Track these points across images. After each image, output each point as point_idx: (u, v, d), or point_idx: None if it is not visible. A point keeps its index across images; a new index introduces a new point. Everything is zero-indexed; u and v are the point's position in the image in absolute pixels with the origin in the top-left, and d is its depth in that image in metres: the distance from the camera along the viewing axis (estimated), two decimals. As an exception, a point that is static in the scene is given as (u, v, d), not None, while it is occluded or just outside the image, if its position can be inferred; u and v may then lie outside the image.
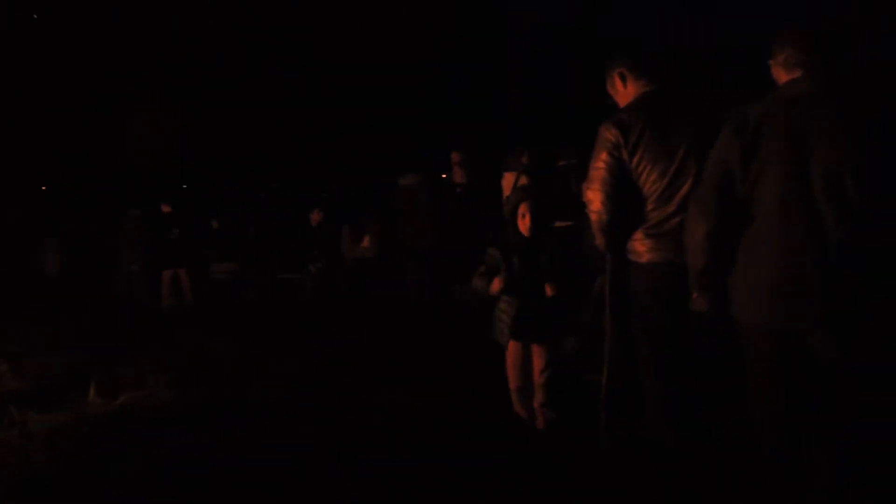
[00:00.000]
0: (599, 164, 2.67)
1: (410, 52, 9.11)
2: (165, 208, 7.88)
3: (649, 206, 2.65)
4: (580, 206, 3.90)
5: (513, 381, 3.39)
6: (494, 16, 8.66)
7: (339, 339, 5.57)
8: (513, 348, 3.37)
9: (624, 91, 2.83)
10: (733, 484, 2.58)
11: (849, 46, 2.36)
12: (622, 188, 2.67)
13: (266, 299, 8.21)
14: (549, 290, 3.23)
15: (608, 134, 2.66)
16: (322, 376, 4.47)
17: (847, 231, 2.09)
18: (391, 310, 6.22)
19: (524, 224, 3.34)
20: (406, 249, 5.95)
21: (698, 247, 2.39)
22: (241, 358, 5.05)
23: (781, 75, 2.32)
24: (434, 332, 5.12)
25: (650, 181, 2.62)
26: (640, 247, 2.70)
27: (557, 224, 3.94)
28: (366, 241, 7.33)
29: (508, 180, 5.00)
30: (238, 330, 6.20)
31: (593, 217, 2.75)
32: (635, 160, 2.62)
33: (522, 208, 3.37)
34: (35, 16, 12.19)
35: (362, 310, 6.57)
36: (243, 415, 3.75)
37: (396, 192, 6.21)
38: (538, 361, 3.33)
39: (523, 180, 4.89)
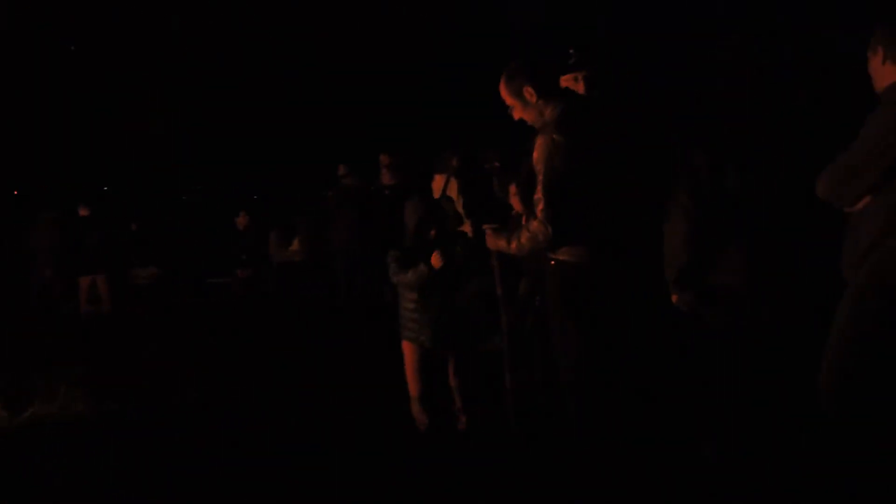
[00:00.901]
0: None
1: (339, 54, 9.01)
2: (82, 211, 7.53)
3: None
4: (506, 208, 3.96)
5: (415, 387, 3.28)
6: (426, 16, 8.66)
7: (265, 344, 5.46)
8: (411, 353, 3.26)
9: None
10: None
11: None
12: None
13: (190, 305, 7.96)
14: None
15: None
16: (246, 383, 4.38)
17: None
18: (320, 313, 6.14)
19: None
20: (334, 252, 5.89)
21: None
22: (162, 366, 4.88)
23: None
24: (362, 335, 5.08)
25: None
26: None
27: (485, 226, 3.97)
28: (295, 245, 7.20)
29: (438, 183, 5.02)
30: (159, 337, 5.99)
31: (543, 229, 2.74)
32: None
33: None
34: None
35: (290, 314, 6.47)
36: (161, 425, 3.63)
37: (328, 195, 6.15)
38: (450, 368, 3.25)
39: (453, 183, 4.92)
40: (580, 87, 3.01)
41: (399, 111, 8.49)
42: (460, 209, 4.73)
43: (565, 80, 3.05)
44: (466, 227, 4.43)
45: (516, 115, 2.85)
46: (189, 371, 4.69)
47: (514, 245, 2.77)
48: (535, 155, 2.68)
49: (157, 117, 11.75)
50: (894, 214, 2.24)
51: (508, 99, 2.84)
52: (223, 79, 10.38)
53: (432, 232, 3.20)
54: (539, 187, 2.64)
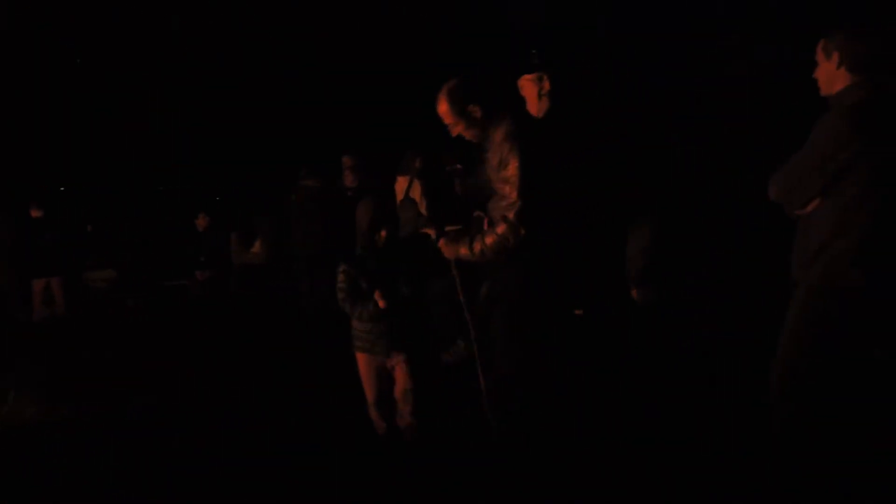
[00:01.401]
0: None
1: (301, 54, 8.92)
2: (34, 212, 7.31)
3: None
4: (468, 210, 3.97)
5: (371, 393, 3.23)
6: (389, 17, 8.63)
7: (223, 348, 5.37)
8: (365, 364, 3.20)
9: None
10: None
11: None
12: None
13: (148, 308, 7.80)
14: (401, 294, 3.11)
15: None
16: (203, 387, 4.30)
17: None
18: (280, 317, 6.07)
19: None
20: (296, 255, 5.83)
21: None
22: (117, 370, 4.77)
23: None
24: (323, 340, 5.03)
25: None
26: None
27: (448, 228, 3.98)
28: (256, 247, 7.10)
29: (401, 184, 5.00)
30: (115, 341, 5.86)
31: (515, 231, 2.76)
32: None
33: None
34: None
35: (251, 318, 6.38)
36: (114, 430, 3.55)
37: (289, 196, 6.09)
38: (401, 373, 3.18)
39: (416, 185, 4.90)
40: (545, 87, 3.04)
41: (362, 112, 8.44)
42: (423, 211, 4.72)
43: (528, 80, 3.07)
44: (430, 230, 4.43)
45: (455, 132, 2.86)
46: (145, 375, 4.60)
47: (477, 248, 2.77)
48: (508, 166, 2.69)
49: (116, 118, 11.51)
50: (843, 217, 2.30)
51: (449, 118, 2.84)
52: (182, 80, 10.20)
53: (383, 233, 3.14)
54: (509, 192, 2.66)
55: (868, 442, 2.44)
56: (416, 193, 4.90)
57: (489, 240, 2.70)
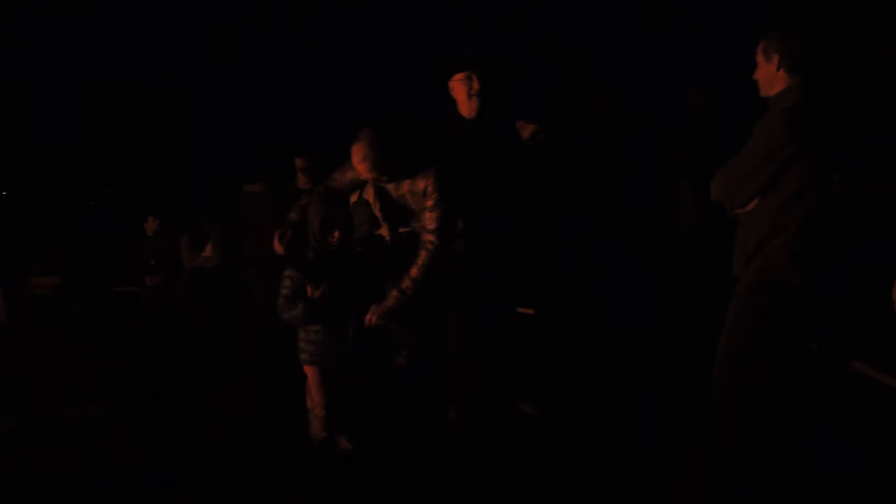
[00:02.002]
0: None
1: (252, 50, 8.78)
2: (-27, 217, 7.06)
3: None
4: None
5: (317, 405, 3.11)
6: (342, 13, 8.54)
7: (172, 355, 5.26)
8: (313, 376, 3.10)
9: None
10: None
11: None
12: None
13: (95, 315, 7.58)
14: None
15: None
16: (149, 396, 4.20)
17: None
18: (233, 324, 5.97)
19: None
20: (248, 260, 5.73)
21: None
22: (59, 380, 4.62)
23: None
24: (277, 348, 4.96)
25: None
26: None
27: (401, 230, 3.99)
28: (208, 250, 6.96)
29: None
30: (59, 349, 5.67)
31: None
32: None
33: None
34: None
35: (202, 324, 6.25)
36: (58, 441, 3.44)
37: (240, 199, 5.99)
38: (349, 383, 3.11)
39: (370, 187, 4.88)
40: (475, 86, 3.07)
41: (315, 112, 8.36)
42: (377, 213, 4.69)
43: (458, 80, 3.11)
44: (384, 231, 4.40)
45: (373, 177, 2.91)
46: (90, 384, 4.47)
47: (408, 288, 2.84)
48: (430, 202, 2.84)
49: (62, 118, 11.15)
50: (780, 216, 2.37)
51: (373, 169, 2.83)
52: (130, 79, 9.95)
53: (335, 234, 3.04)
54: (428, 224, 2.74)
55: (806, 432, 2.52)
56: (370, 195, 4.88)
57: (416, 273, 2.80)
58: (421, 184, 2.82)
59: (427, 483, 2.78)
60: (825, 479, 2.49)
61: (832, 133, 2.38)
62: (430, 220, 2.77)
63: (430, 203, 2.74)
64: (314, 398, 3.12)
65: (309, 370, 3.11)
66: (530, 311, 3.77)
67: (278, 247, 3.29)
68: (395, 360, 3.59)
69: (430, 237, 2.77)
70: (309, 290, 2.97)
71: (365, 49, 8.05)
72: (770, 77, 2.45)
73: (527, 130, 3.85)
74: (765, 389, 2.47)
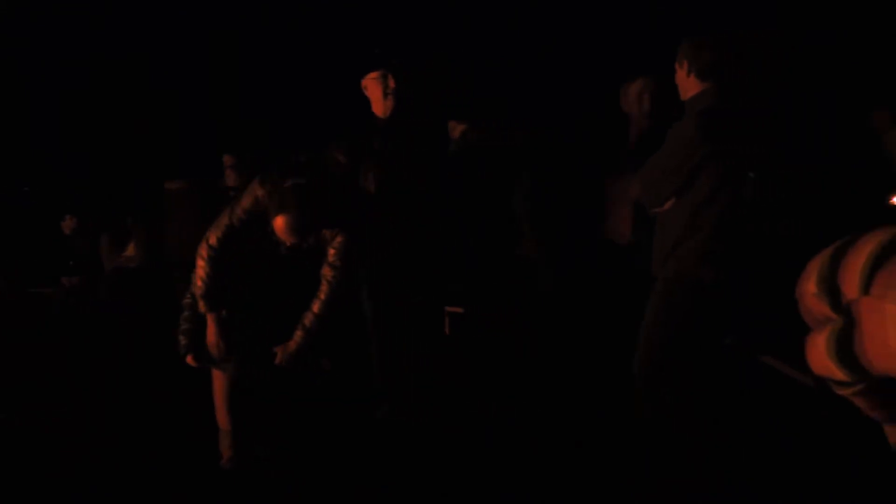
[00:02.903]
0: None
1: (180, 41, 8.51)
2: None
3: None
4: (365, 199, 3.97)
5: (223, 419, 2.88)
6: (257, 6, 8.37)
7: (89, 359, 5.04)
8: (220, 382, 2.87)
9: None
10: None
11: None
12: None
13: (8, 318, 7.21)
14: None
15: None
16: (66, 403, 4.02)
17: None
18: (154, 325, 5.75)
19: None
20: (173, 261, 5.54)
21: None
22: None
23: None
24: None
25: None
26: None
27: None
28: (130, 250, 6.71)
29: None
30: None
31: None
32: None
33: None
34: None
35: (122, 326, 6.02)
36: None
37: (163, 198, 5.79)
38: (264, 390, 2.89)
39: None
40: (390, 85, 3.06)
41: (246, 106, 8.16)
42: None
43: (372, 79, 3.09)
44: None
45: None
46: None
47: (312, 326, 2.72)
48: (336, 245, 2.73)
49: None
50: (694, 215, 2.45)
51: (300, 238, 2.64)
52: (47, 72, 9.50)
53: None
54: (334, 248, 2.70)
55: (728, 424, 2.60)
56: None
57: (318, 308, 2.70)
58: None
59: (350, 486, 2.75)
60: (746, 470, 2.57)
61: (745, 135, 2.47)
62: (334, 255, 2.65)
63: (337, 240, 2.63)
64: (217, 409, 2.91)
65: (215, 376, 2.91)
66: (460, 310, 3.78)
67: None
68: (321, 363, 3.54)
69: (333, 272, 2.65)
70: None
71: (293, 41, 7.89)
72: (683, 82, 2.53)
73: (457, 130, 3.87)
74: (684, 386, 2.54)
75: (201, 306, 2.77)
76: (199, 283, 2.74)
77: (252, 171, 5.53)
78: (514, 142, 3.62)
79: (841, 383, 1.10)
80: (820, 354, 1.08)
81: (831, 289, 1.09)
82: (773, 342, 2.61)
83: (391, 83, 3.03)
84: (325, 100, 7.19)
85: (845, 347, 1.05)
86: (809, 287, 1.15)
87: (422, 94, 3.15)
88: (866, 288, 1.04)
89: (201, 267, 2.73)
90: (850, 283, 1.06)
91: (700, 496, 2.41)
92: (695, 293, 2.47)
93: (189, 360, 2.86)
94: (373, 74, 3.08)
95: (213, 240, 2.72)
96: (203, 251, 2.74)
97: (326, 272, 2.65)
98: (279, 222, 2.50)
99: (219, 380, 2.92)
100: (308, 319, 2.68)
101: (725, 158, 2.42)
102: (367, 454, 3.00)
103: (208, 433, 3.21)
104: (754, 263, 2.47)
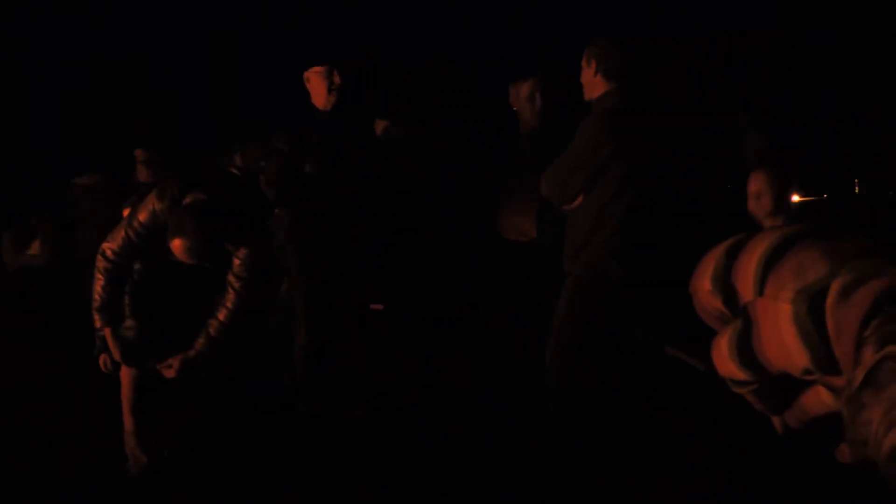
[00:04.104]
0: None
1: (82, 36, 8.13)
2: None
3: None
4: (271, 207, 3.92)
5: (130, 419, 2.76)
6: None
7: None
8: (128, 379, 2.76)
9: None
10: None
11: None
12: None
13: None
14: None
15: None
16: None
17: None
18: (66, 327, 5.50)
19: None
20: (83, 259, 5.31)
21: None
22: None
23: None
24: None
25: None
26: None
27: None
28: (35, 248, 6.36)
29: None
30: None
31: None
32: None
33: None
34: None
35: (28, 328, 5.72)
36: None
37: (71, 194, 5.55)
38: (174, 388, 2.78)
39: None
40: (336, 80, 3.07)
41: (163, 100, 7.88)
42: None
43: (316, 73, 3.09)
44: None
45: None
46: None
47: (217, 333, 2.64)
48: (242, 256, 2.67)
49: None
50: (602, 212, 2.54)
51: (199, 260, 2.52)
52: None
53: None
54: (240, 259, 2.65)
55: (637, 414, 2.70)
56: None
57: (224, 317, 2.63)
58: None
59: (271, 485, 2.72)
60: (653, 460, 2.66)
61: (649, 134, 2.57)
62: (239, 265, 2.61)
63: (241, 251, 2.59)
64: (124, 408, 2.80)
65: (123, 372, 2.80)
66: (380, 307, 3.79)
67: None
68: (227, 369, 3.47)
69: (238, 281, 2.61)
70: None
71: (208, 34, 7.68)
72: (590, 81, 2.62)
73: (380, 126, 3.88)
74: (595, 378, 2.63)
75: (96, 320, 2.68)
76: (95, 296, 2.66)
77: (164, 167, 5.41)
78: (430, 138, 3.68)
79: (740, 382, 1.16)
80: (723, 357, 1.14)
81: (725, 287, 1.15)
82: (677, 334, 2.73)
83: (336, 79, 3.04)
84: (240, 94, 7.03)
85: (745, 349, 1.11)
86: (704, 284, 1.21)
87: (364, 92, 3.18)
88: (760, 289, 1.10)
89: (97, 280, 2.64)
90: (745, 285, 1.12)
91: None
92: (604, 287, 2.56)
93: (102, 361, 2.77)
94: (318, 69, 3.08)
95: (108, 252, 2.63)
96: (98, 263, 2.64)
97: (232, 281, 2.59)
98: (176, 246, 2.41)
99: (126, 382, 2.82)
100: (213, 327, 2.62)
101: (631, 156, 2.52)
102: (283, 455, 2.97)
103: (116, 436, 3.13)
104: (659, 257, 2.59)
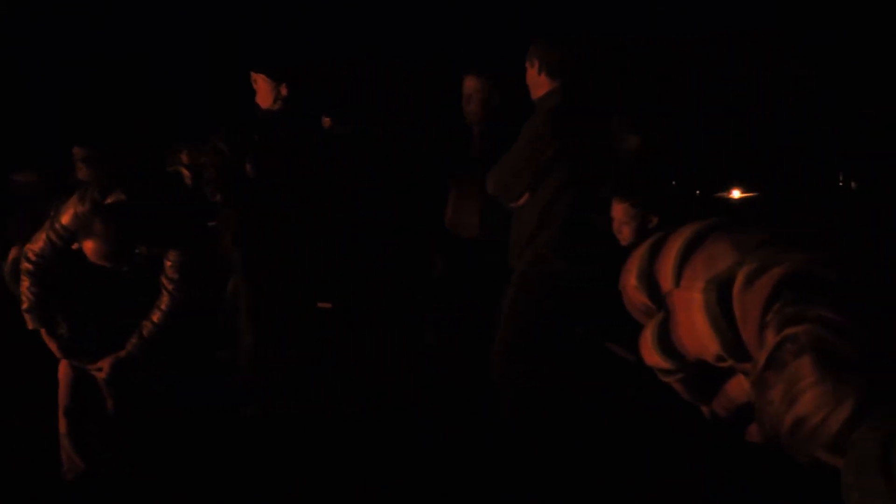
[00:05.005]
0: None
1: (24, 32, 7.84)
2: None
3: None
4: (210, 207, 3.85)
5: (64, 420, 2.66)
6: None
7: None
8: (65, 376, 2.67)
9: None
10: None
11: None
12: None
13: None
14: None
15: None
16: None
17: None
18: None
19: None
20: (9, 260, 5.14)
21: None
22: None
23: None
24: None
25: None
26: None
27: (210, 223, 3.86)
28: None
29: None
30: None
31: None
32: None
33: None
34: None
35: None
36: None
37: (7, 190, 5.36)
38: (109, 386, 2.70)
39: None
40: (283, 91, 3.06)
41: (100, 97, 7.64)
42: None
43: (265, 79, 3.07)
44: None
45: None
46: None
47: (149, 332, 2.62)
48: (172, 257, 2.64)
49: None
50: (546, 209, 2.57)
51: (113, 264, 2.51)
52: None
53: None
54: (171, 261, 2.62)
55: (577, 406, 2.74)
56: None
57: (157, 318, 2.60)
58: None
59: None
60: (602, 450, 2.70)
61: (592, 132, 2.62)
62: (170, 267, 2.56)
63: (171, 253, 2.55)
64: (60, 408, 2.71)
65: (61, 368, 2.71)
66: (328, 305, 3.76)
67: None
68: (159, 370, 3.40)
69: (171, 284, 2.58)
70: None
71: (147, 32, 7.49)
72: (535, 80, 2.64)
73: (325, 124, 3.86)
74: (541, 371, 2.67)
75: (28, 322, 2.62)
76: (23, 297, 2.60)
77: (109, 166, 5.25)
78: (376, 135, 3.68)
79: (665, 371, 1.21)
80: (648, 348, 1.19)
81: (650, 281, 1.20)
82: (618, 329, 2.77)
83: (283, 91, 3.04)
84: (179, 92, 6.88)
85: (665, 338, 1.15)
86: (630, 280, 1.25)
87: (309, 92, 3.17)
88: (677, 280, 1.15)
89: (23, 281, 2.58)
90: (665, 277, 1.17)
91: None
92: (550, 283, 2.59)
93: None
94: (264, 76, 3.06)
95: (30, 254, 2.57)
96: (23, 265, 2.59)
97: (165, 283, 2.56)
98: (87, 248, 2.38)
99: (61, 384, 2.74)
100: (145, 328, 2.58)
101: (573, 155, 2.56)
102: (226, 457, 2.92)
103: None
104: (602, 253, 2.63)
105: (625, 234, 2.45)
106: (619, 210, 2.46)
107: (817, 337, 0.85)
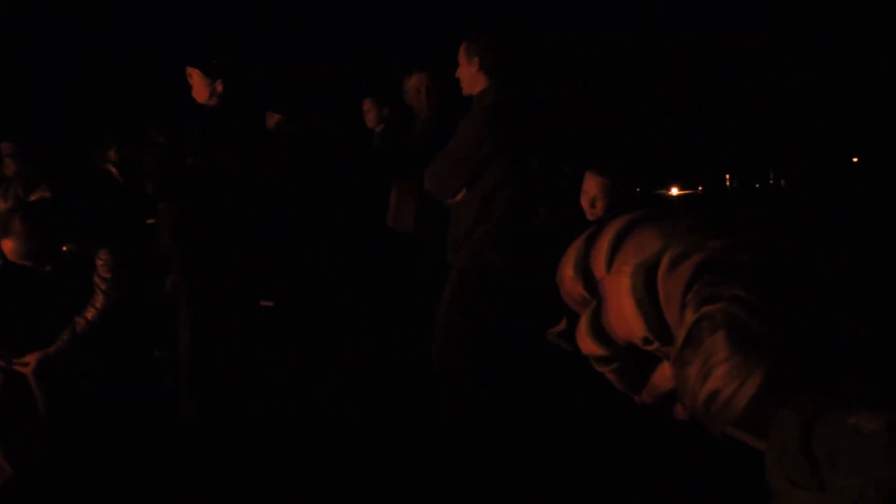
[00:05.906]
0: None
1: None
2: None
3: None
4: (143, 204, 3.76)
5: None
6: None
7: None
8: None
9: None
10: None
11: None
12: None
13: None
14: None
15: None
16: None
17: None
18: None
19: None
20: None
21: None
22: None
23: None
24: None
25: None
26: None
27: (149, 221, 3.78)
28: None
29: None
30: None
31: None
32: None
33: None
34: None
35: None
36: None
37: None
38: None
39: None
40: (218, 88, 3.02)
41: (32, 93, 7.38)
42: None
43: (200, 74, 3.04)
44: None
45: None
46: None
47: (83, 328, 2.56)
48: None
49: None
50: (483, 205, 2.59)
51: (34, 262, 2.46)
52: None
53: None
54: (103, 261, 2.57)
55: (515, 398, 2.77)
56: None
57: (91, 315, 2.57)
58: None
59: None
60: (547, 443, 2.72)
61: (528, 128, 2.65)
62: (101, 265, 2.51)
63: (102, 252, 2.49)
64: None
65: None
66: (271, 304, 3.72)
67: None
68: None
69: (104, 283, 2.53)
70: None
71: (81, 28, 7.27)
72: (471, 77, 2.66)
73: (273, 119, 3.81)
74: (481, 366, 2.69)
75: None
76: None
77: (37, 163, 5.05)
78: (322, 130, 3.65)
79: (600, 359, 1.25)
80: (582, 335, 1.22)
81: (585, 272, 1.23)
82: (557, 322, 2.82)
83: (218, 87, 2.99)
84: (114, 89, 6.70)
85: (597, 324, 1.19)
86: (567, 272, 1.29)
87: (248, 86, 3.13)
88: (609, 267, 1.19)
89: None
90: (598, 265, 1.21)
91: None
92: (485, 278, 2.62)
93: None
94: (199, 71, 3.00)
95: None
96: None
97: (98, 282, 2.52)
98: (5, 247, 2.30)
99: None
100: (78, 325, 2.53)
101: (510, 152, 2.59)
102: (165, 459, 2.85)
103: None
104: (539, 248, 2.67)
105: (598, 208, 2.51)
106: (593, 184, 2.52)
107: (731, 315, 0.89)
